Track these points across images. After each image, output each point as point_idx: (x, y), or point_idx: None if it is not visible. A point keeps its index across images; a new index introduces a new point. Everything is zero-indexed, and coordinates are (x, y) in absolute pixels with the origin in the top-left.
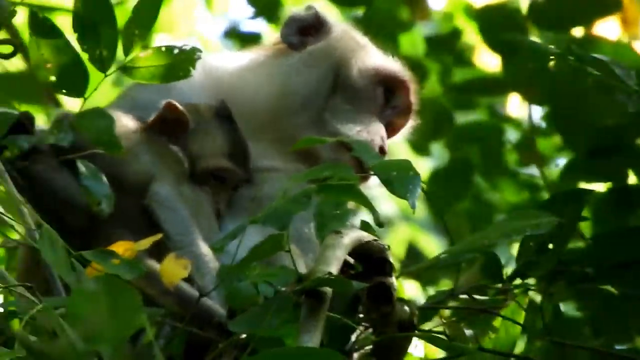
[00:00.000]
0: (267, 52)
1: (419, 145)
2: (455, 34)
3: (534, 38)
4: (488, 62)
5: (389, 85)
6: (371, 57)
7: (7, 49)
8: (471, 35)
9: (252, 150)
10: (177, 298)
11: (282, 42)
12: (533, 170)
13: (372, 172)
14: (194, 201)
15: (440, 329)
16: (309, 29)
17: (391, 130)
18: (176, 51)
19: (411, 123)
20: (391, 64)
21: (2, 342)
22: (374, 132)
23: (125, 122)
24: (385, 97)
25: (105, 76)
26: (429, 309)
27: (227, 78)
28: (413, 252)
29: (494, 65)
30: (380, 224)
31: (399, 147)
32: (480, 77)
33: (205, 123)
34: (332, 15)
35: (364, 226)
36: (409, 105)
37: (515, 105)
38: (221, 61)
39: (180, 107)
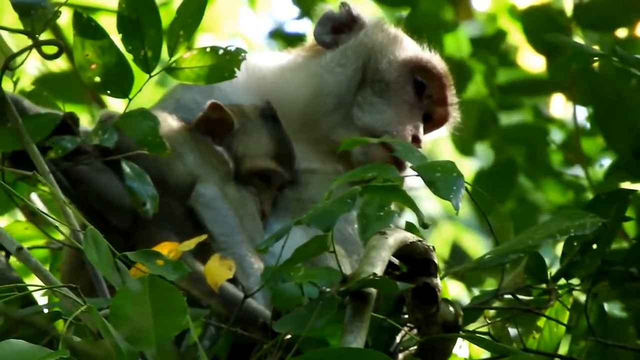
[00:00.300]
0: (306, 53)
1: (464, 146)
2: (500, 34)
3: (578, 39)
4: (532, 63)
5: (421, 75)
6: (403, 48)
7: (52, 49)
8: (515, 36)
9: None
10: (221, 299)
11: (316, 41)
12: (577, 171)
13: (414, 173)
14: (238, 202)
15: (485, 329)
16: (342, 26)
17: (432, 124)
18: (221, 52)
19: (453, 115)
20: (422, 54)
21: (47, 343)
22: (405, 122)
23: (170, 123)
24: (418, 88)
25: (150, 77)
26: (474, 310)
27: (269, 78)
28: (457, 252)
29: (537, 66)
30: (424, 224)
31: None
32: (525, 77)
33: (250, 123)
34: (369, 12)
35: (409, 227)
36: (445, 95)
37: (559, 106)
38: (263, 61)
39: (224, 107)
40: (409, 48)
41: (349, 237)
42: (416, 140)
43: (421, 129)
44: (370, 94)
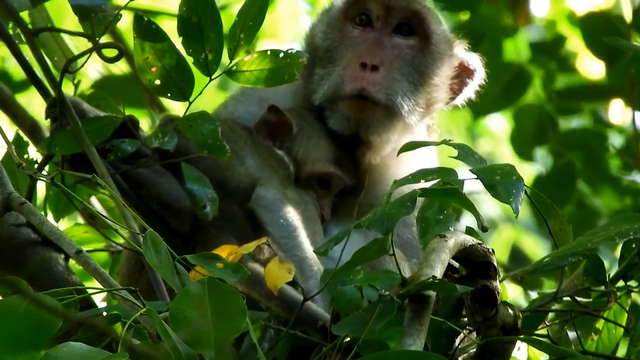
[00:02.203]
0: None
1: (523, 150)
2: (559, 40)
3: (637, 44)
4: (591, 68)
5: (356, 13)
6: (330, 16)
7: (112, 52)
8: (574, 41)
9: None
10: (281, 301)
11: None
12: (636, 176)
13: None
14: (298, 204)
15: (544, 331)
16: None
17: (408, 28)
18: (281, 55)
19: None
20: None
21: (106, 345)
22: (352, 62)
23: (230, 126)
24: (364, 21)
25: (210, 80)
26: (533, 312)
27: None
28: (517, 255)
29: (596, 72)
30: (483, 228)
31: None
32: (584, 83)
33: (310, 127)
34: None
35: (469, 230)
36: (384, 14)
37: (618, 111)
38: None
39: (283, 110)
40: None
41: (408, 241)
42: (364, 66)
43: (376, 58)
44: (318, 69)
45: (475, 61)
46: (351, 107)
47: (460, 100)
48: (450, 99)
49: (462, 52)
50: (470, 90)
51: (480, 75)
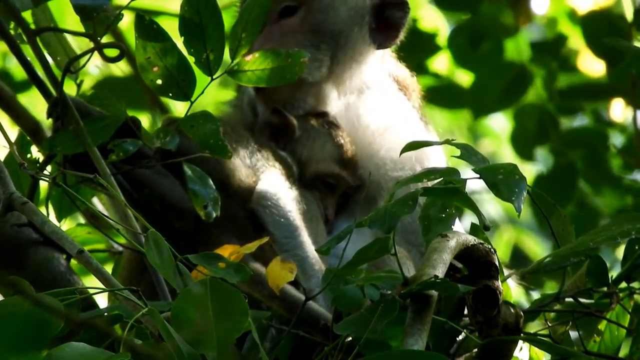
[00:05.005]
0: None
1: (524, 150)
2: (561, 39)
3: (638, 44)
4: (592, 67)
5: None
6: None
7: (113, 52)
8: (575, 40)
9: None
10: (282, 301)
11: None
12: (637, 176)
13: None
14: (301, 204)
15: (546, 332)
16: None
17: (290, 28)
18: (283, 54)
19: None
20: None
21: (108, 346)
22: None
23: (232, 126)
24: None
25: (212, 79)
26: (535, 312)
27: None
28: (519, 256)
29: (597, 71)
30: (486, 227)
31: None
32: (585, 82)
33: (315, 129)
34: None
35: (474, 229)
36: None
37: (619, 110)
38: None
39: (286, 113)
40: None
41: (409, 227)
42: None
43: (263, 41)
44: None
45: None
46: (260, 100)
47: (401, 34)
48: (391, 38)
49: None
50: (404, 22)
51: (407, 5)
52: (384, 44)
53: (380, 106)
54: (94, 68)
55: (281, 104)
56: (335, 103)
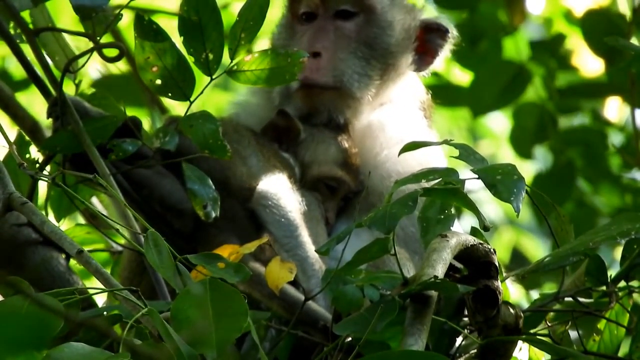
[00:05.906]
0: None
1: (523, 148)
2: (559, 38)
3: (637, 42)
4: (590, 66)
5: (299, 9)
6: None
7: (113, 52)
8: (571, 39)
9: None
10: (282, 301)
11: None
12: (636, 174)
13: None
14: (302, 205)
15: (545, 331)
16: None
17: (346, 33)
18: (282, 54)
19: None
20: None
21: (107, 346)
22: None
23: (233, 126)
24: (307, 21)
25: (212, 79)
26: (534, 312)
27: None
28: (518, 257)
29: (596, 69)
30: (485, 227)
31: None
32: (584, 81)
33: (319, 132)
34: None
35: (474, 231)
36: (322, 3)
37: (615, 109)
38: None
39: (292, 115)
40: None
41: (412, 236)
42: (314, 55)
43: (320, 41)
44: None
45: (443, 21)
46: (300, 96)
47: (438, 62)
48: (426, 62)
49: (425, 16)
50: (445, 51)
51: (453, 35)
52: (420, 67)
53: (396, 120)
54: (94, 71)
55: (320, 108)
56: (365, 116)
